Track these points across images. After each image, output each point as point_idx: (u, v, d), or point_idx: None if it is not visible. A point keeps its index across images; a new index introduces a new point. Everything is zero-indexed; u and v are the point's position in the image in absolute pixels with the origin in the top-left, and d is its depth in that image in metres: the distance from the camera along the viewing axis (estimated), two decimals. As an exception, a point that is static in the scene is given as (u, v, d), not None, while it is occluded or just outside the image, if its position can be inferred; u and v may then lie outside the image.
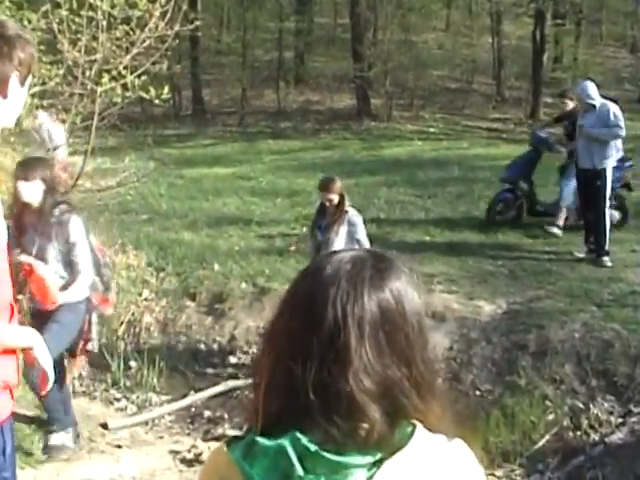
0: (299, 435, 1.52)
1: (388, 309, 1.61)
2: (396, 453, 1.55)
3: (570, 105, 12.67)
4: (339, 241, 8.75)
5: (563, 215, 12.44)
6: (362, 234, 8.84)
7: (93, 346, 6.90)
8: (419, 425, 1.62)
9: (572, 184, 12.16)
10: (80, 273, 6.29)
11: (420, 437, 1.60)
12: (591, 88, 11.12)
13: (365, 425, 1.54)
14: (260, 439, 1.56)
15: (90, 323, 6.70)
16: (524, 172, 13.12)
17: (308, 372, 1.54)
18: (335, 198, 8.75)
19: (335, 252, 1.72)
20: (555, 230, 12.32)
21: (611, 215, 12.24)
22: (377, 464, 1.54)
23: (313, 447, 1.51)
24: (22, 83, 3.02)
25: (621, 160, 12.49)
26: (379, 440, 1.54)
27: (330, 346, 1.55)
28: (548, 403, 8.38)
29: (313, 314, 1.59)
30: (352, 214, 8.86)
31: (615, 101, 11.53)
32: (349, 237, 8.78)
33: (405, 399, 1.59)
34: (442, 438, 1.66)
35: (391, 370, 1.57)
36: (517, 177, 13.07)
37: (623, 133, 11.05)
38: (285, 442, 1.52)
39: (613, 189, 12.20)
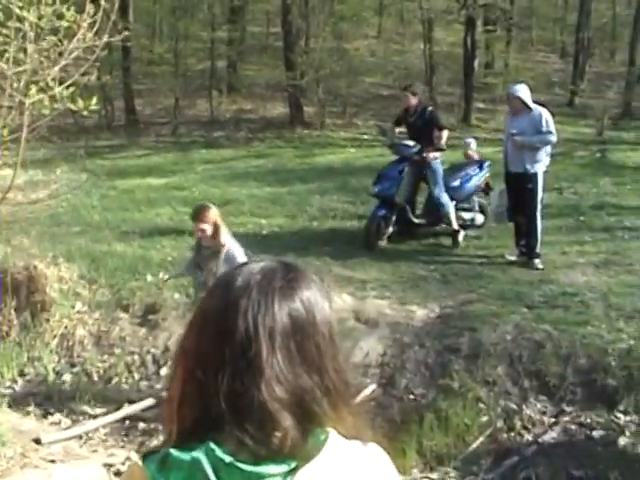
0: (213, 446, 1.53)
1: (299, 318, 1.63)
2: (310, 461, 1.57)
3: (412, 101, 12.51)
4: None
5: (454, 220, 12.41)
6: None
7: None
8: (333, 432, 1.63)
9: (441, 191, 12.32)
10: None
11: (333, 444, 1.62)
12: (523, 91, 11.17)
13: (278, 434, 1.55)
14: (174, 452, 1.56)
15: None
16: (397, 185, 12.35)
17: (220, 383, 1.56)
18: (208, 228, 7.75)
19: (245, 264, 1.74)
20: (461, 238, 12.51)
21: (475, 218, 12.52)
22: (291, 473, 1.55)
23: (228, 458, 1.52)
24: None
25: (480, 163, 12.76)
26: (292, 448, 1.56)
27: (242, 357, 1.57)
28: (481, 405, 8.48)
29: (224, 326, 1.60)
30: (229, 248, 7.81)
31: (545, 106, 11.65)
32: None
33: (317, 407, 1.61)
34: (356, 444, 1.68)
35: (302, 379, 1.60)
36: (392, 191, 12.28)
37: (555, 139, 11.20)
38: (199, 454, 1.53)
39: (476, 192, 12.75)
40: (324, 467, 1.58)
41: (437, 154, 12.19)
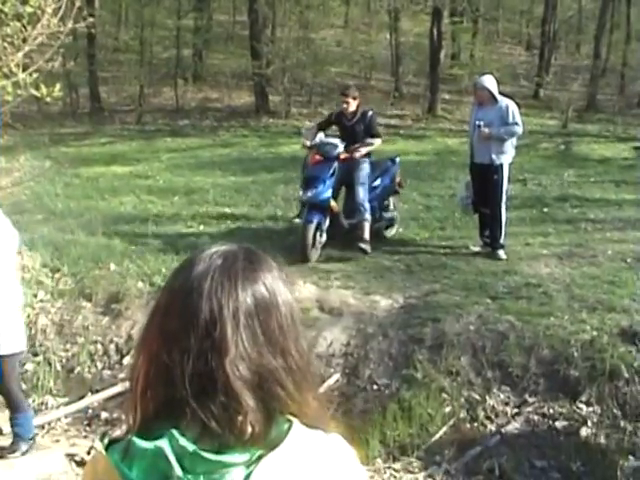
0: (177, 435, 1.53)
1: (262, 300, 1.64)
2: (273, 449, 1.57)
3: (352, 106, 11.75)
4: None
5: (368, 229, 11.56)
6: None
7: None
8: (296, 421, 1.64)
9: (366, 195, 11.64)
10: None
11: (297, 433, 1.62)
12: (490, 82, 11.17)
13: (240, 417, 1.55)
14: (138, 441, 1.56)
15: None
16: (331, 188, 11.35)
17: (185, 365, 1.56)
18: None
19: (206, 248, 1.74)
20: (368, 247, 11.51)
21: (394, 217, 12.52)
22: (255, 461, 1.55)
23: (191, 447, 1.52)
24: None
25: (391, 160, 12.59)
26: (256, 435, 1.56)
27: (207, 338, 1.57)
28: (445, 395, 8.48)
29: (189, 309, 1.61)
30: None
31: (511, 98, 11.67)
32: None
33: (281, 389, 1.61)
34: (319, 434, 1.68)
35: (266, 359, 1.60)
36: (327, 195, 11.28)
37: (521, 131, 11.23)
38: (163, 443, 1.53)
39: (391, 190, 12.47)
40: (287, 456, 1.58)
41: (364, 150, 11.62)
